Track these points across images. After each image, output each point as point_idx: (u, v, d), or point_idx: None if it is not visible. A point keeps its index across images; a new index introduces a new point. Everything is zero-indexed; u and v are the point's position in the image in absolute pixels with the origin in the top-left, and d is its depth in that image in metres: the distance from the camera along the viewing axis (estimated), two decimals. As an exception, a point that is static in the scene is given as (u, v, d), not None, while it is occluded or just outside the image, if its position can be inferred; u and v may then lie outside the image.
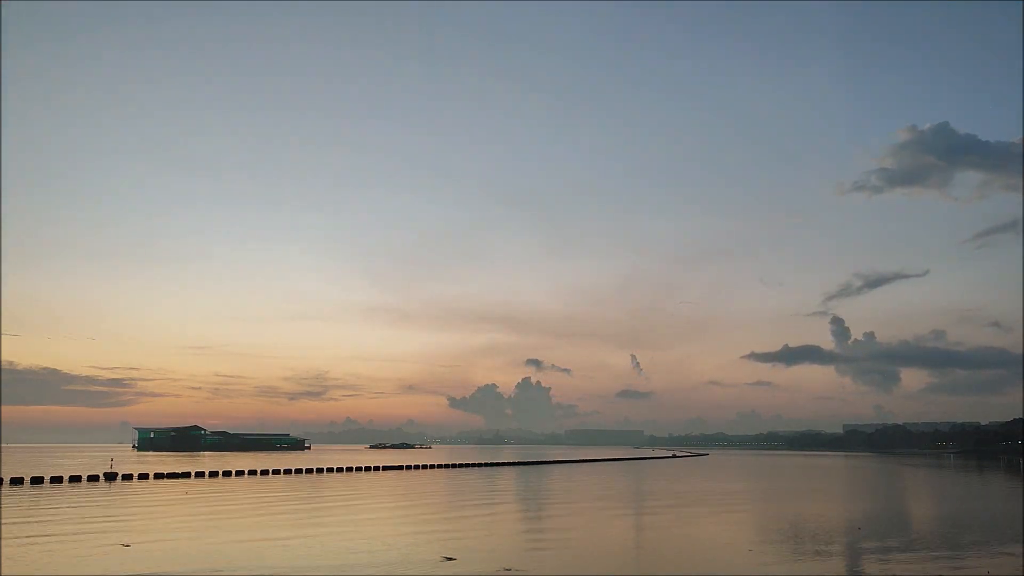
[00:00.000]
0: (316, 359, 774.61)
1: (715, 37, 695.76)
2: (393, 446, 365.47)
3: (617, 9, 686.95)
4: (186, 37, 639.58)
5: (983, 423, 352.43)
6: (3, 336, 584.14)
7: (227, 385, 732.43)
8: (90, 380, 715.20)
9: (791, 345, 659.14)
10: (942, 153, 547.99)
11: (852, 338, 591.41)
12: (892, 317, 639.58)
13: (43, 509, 47.40)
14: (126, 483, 73.57)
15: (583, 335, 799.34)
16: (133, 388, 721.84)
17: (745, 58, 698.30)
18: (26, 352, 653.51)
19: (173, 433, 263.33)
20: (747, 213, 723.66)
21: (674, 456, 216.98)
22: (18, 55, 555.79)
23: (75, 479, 75.54)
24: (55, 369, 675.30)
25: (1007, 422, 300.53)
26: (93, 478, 77.39)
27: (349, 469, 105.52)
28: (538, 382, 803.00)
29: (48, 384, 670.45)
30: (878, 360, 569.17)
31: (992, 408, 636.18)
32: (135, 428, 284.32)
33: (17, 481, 71.25)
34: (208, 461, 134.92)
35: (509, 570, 25.76)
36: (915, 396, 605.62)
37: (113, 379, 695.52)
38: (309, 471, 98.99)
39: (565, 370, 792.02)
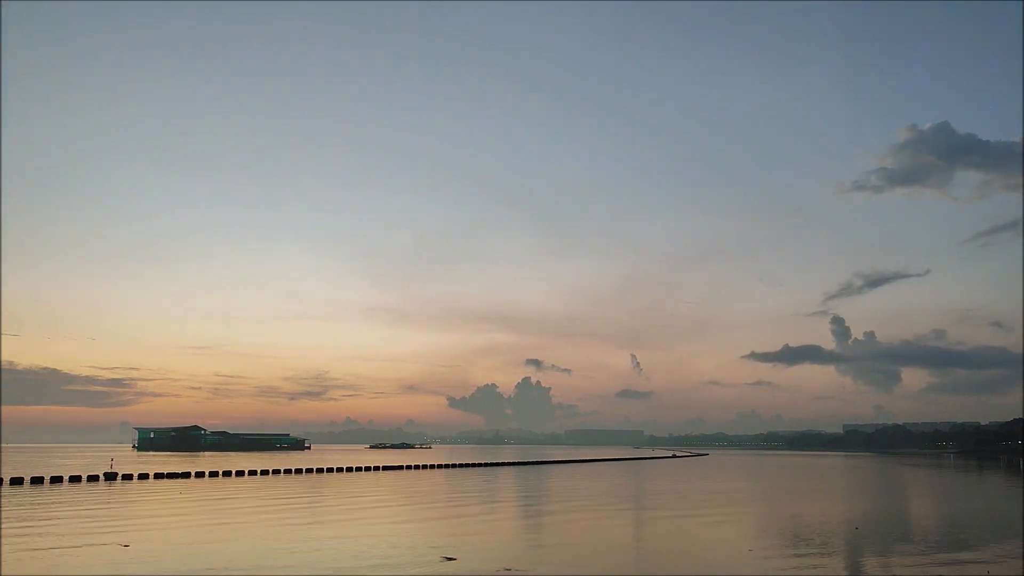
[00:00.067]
0: (316, 359, 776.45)
1: (715, 37, 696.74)
2: (393, 446, 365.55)
3: (617, 9, 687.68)
4: (186, 37, 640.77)
5: (983, 423, 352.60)
6: (3, 336, 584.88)
7: (227, 385, 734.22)
8: (90, 380, 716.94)
9: (791, 345, 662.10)
10: (942, 153, 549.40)
11: (852, 338, 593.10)
12: (892, 317, 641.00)
13: (43, 509, 47.37)
14: (126, 483, 73.55)
15: (583, 335, 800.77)
16: (133, 388, 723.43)
17: (745, 58, 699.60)
18: (26, 352, 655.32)
19: (173, 433, 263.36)
20: (747, 213, 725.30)
21: (674, 456, 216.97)
22: (18, 55, 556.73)
23: (75, 479, 75.53)
24: (55, 369, 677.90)
25: (1007, 422, 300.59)
26: (93, 478, 77.37)
27: (349, 469, 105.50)
28: (538, 382, 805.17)
29: (48, 384, 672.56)
30: (878, 360, 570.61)
31: (993, 408, 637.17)
32: (135, 428, 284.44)
33: (17, 481, 71.23)
34: (208, 461, 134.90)
35: (509, 570, 25.74)
36: (916, 396, 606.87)
37: (113, 379, 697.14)
38: (309, 471, 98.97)
39: (565, 370, 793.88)
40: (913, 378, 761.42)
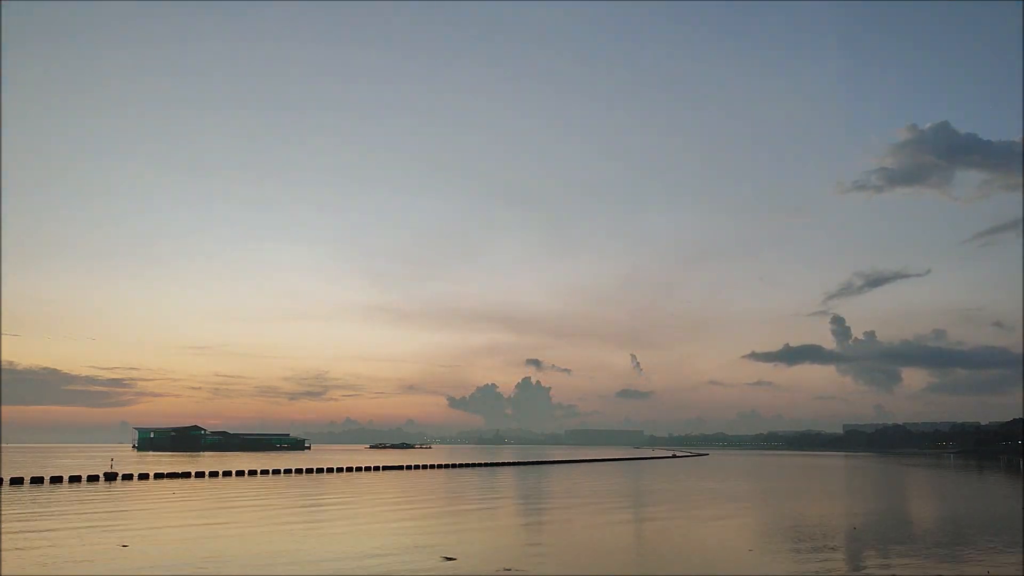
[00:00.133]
0: (316, 359, 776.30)
1: (715, 36, 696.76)
2: (393, 446, 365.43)
3: (617, 8, 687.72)
4: (186, 37, 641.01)
5: (983, 423, 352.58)
6: (3, 336, 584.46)
7: (227, 385, 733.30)
8: (90, 380, 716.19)
9: (791, 345, 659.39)
10: (942, 152, 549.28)
11: (853, 338, 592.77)
12: (893, 317, 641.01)
13: (43, 509, 47.33)
14: (126, 483, 73.52)
15: (583, 335, 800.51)
16: (133, 388, 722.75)
17: (745, 58, 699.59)
18: (26, 352, 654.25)
19: (173, 433, 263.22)
20: (747, 212, 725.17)
21: (674, 456, 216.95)
22: (18, 55, 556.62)
23: (75, 479, 75.50)
24: (55, 369, 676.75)
25: (1007, 422, 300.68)
26: (93, 478, 77.33)
27: (349, 469, 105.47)
28: (538, 382, 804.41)
29: (48, 384, 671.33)
30: (879, 360, 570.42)
31: (994, 408, 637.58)
32: (135, 428, 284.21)
33: (17, 481, 71.20)
34: (208, 461, 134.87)
35: (509, 570, 25.71)
36: (916, 396, 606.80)
37: (113, 379, 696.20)
38: (309, 471, 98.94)
39: (565, 370, 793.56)
40: (913, 378, 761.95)
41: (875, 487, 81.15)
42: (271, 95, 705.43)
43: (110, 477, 78.15)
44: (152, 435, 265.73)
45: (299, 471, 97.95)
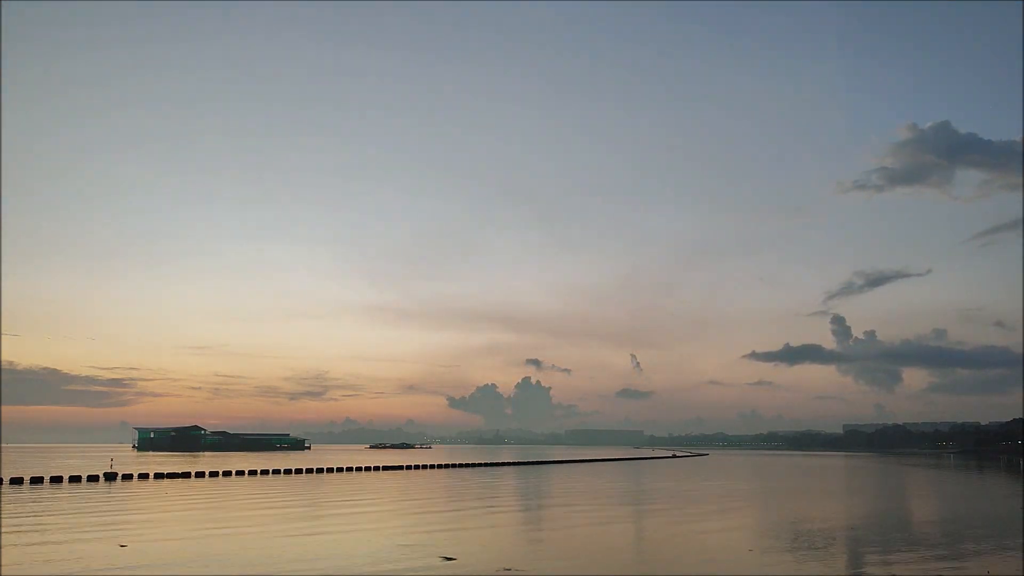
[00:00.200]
0: (316, 359, 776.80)
1: (715, 36, 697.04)
2: (393, 446, 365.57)
3: (617, 8, 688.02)
4: (185, 36, 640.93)
5: (983, 423, 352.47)
6: (3, 336, 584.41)
7: (227, 385, 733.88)
8: (90, 380, 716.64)
9: (792, 344, 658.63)
10: (943, 152, 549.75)
11: (853, 337, 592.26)
12: (893, 316, 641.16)
13: (42, 509, 47.31)
14: (126, 483, 73.49)
15: (583, 335, 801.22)
16: (133, 388, 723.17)
17: (745, 57, 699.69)
18: (26, 352, 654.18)
19: (173, 433, 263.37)
20: (748, 212, 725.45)
21: (674, 456, 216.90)
22: (18, 54, 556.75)
23: (75, 479, 75.47)
24: (55, 369, 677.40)
25: (1007, 422, 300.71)
26: (93, 478, 77.31)
27: (349, 469, 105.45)
28: (538, 382, 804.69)
29: (48, 384, 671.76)
30: (879, 359, 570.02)
31: (995, 408, 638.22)
32: (135, 428, 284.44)
33: (17, 481, 71.20)
34: (208, 461, 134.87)
35: (509, 570, 25.67)
36: (917, 396, 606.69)
37: (113, 379, 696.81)
38: (309, 471, 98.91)
39: (565, 370, 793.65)
40: (914, 378, 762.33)
41: (875, 487, 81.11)
42: (269, 95, 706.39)
43: (110, 477, 78.14)
44: (152, 435, 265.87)
45: (299, 471, 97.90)
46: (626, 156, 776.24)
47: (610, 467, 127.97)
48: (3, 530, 35.49)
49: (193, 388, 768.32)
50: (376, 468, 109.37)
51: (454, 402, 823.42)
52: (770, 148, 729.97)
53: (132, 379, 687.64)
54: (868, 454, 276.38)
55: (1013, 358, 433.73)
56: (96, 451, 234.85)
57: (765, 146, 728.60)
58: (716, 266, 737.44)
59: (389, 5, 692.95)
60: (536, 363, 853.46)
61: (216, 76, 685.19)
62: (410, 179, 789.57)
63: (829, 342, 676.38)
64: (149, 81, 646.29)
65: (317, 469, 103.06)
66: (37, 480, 72.74)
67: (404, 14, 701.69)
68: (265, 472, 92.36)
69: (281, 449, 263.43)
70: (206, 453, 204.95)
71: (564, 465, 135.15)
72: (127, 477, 79.16)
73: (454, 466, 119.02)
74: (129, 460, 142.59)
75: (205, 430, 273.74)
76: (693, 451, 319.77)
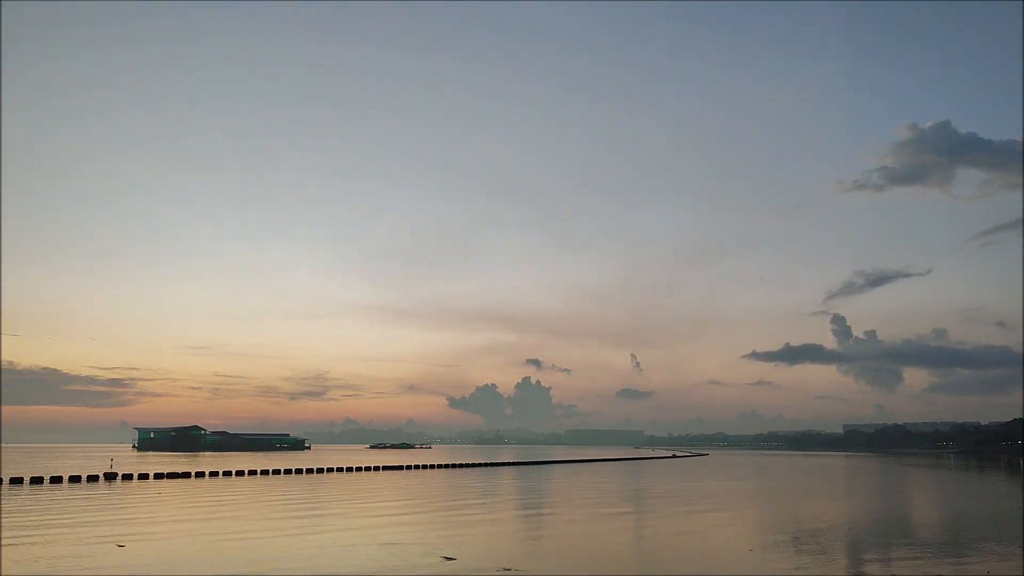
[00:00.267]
0: (316, 359, 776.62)
1: (715, 35, 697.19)
2: (393, 446, 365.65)
3: (617, 7, 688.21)
4: (185, 36, 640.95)
5: (984, 423, 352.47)
6: (3, 336, 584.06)
7: (227, 385, 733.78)
8: (90, 380, 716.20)
9: (792, 344, 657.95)
10: (943, 151, 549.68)
11: (854, 337, 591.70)
12: (894, 316, 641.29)
13: (42, 509, 47.30)
14: (126, 483, 73.47)
15: (583, 334, 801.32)
16: (133, 388, 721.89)
17: (746, 56, 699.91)
18: (26, 352, 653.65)
19: (173, 433, 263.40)
20: (748, 211, 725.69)
21: (674, 456, 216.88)
22: (18, 54, 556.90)
23: (75, 479, 75.47)
24: (55, 369, 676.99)
25: (1007, 422, 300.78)
26: (93, 478, 77.32)
27: (349, 469, 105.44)
28: (538, 382, 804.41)
29: (48, 384, 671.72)
30: (880, 359, 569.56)
31: (994, 408, 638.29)
32: (135, 428, 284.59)
33: (17, 481, 71.21)
34: (208, 461, 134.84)
35: (509, 570, 25.66)
36: (917, 396, 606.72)
37: (113, 379, 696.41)
38: (309, 471, 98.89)
39: (565, 370, 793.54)
40: (914, 378, 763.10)
41: (875, 487, 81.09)
42: (269, 94, 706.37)
43: (110, 477, 78.14)
44: (152, 435, 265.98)
45: (299, 471, 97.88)
46: (626, 156, 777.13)
47: (610, 467, 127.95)
48: (3, 530, 35.48)
49: (193, 388, 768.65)
50: (376, 468, 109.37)
51: (454, 402, 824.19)
52: (770, 148, 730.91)
53: (132, 379, 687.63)
54: (868, 454, 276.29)
55: (1013, 358, 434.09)
56: (96, 451, 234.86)
57: (765, 146, 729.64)
58: (716, 266, 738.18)
59: (389, 5, 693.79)
60: (536, 363, 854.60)
61: (216, 76, 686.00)
62: (410, 179, 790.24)
63: (829, 342, 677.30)
64: (149, 81, 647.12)
65: (317, 469, 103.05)
66: (37, 480, 72.73)
67: (404, 14, 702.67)
68: (265, 472, 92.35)
69: (281, 449, 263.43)
70: (206, 453, 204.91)
71: (564, 465, 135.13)
72: (127, 477, 79.15)
73: (454, 466, 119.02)
74: (129, 460, 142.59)
75: (205, 430, 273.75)
76: (693, 451, 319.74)
